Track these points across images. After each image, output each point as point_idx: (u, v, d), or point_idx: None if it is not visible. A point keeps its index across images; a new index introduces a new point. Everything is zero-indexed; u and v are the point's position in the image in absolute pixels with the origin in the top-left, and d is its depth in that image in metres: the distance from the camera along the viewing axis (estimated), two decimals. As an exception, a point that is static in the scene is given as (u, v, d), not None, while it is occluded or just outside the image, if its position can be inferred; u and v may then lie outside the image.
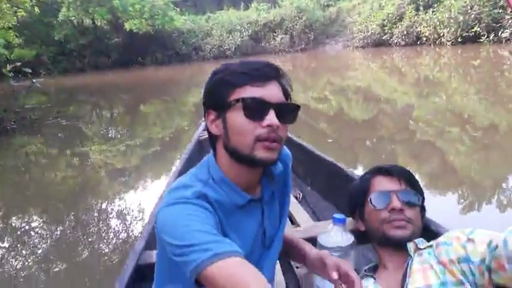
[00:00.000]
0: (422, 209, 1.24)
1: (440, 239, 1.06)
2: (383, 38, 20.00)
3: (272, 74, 0.91)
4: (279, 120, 0.88)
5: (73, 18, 23.78)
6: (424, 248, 1.09)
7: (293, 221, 2.12)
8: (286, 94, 0.95)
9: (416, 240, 1.13)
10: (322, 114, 7.77)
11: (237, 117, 0.88)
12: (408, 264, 1.07)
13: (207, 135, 1.01)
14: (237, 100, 0.88)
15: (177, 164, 2.69)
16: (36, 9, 15.92)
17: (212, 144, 0.98)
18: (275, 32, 23.93)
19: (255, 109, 0.87)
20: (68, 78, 20.82)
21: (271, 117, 0.87)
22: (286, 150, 1.07)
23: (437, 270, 1.00)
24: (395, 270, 1.12)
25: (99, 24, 25.27)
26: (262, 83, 0.89)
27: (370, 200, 1.21)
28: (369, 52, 19.08)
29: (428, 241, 1.12)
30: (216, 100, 0.92)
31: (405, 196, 1.17)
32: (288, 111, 0.92)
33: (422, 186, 1.28)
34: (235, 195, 0.94)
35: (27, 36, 20.46)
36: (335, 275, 0.87)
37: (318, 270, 0.99)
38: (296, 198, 2.48)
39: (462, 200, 3.47)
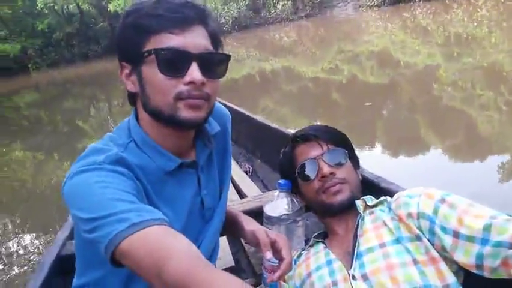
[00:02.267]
0: (354, 161, 1.14)
1: (404, 192, 0.99)
2: (402, -8, 17.91)
3: (194, 15, 0.77)
4: (204, 75, 0.76)
5: (52, 4, 22.34)
6: (375, 205, 1.04)
7: (243, 196, 2.06)
8: (215, 41, 0.81)
9: (365, 198, 1.06)
10: (333, 85, 7.17)
11: (152, 73, 0.75)
12: (358, 223, 1.01)
13: None
14: (149, 52, 0.75)
15: None
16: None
17: (132, 103, 0.86)
18: (275, -1, 22.20)
19: (173, 63, 0.74)
20: (59, 71, 20.33)
21: (193, 72, 0.75)
22: (223, 109, 1.00)
23: (390, 226, 0.94)
24: (346, 233, 1.05)
25: (85, 8, 23.70)
26: (181, 29, 0.75)
27: (298, 174, 1.12)
28: (386, 11, 17.54)
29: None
30: (128, 50, 0.79)
31: (331, 158, 1.08)
32: (214, 62, 0.79)
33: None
34: (163, 159, 0.82)
35: (9, 29, 19.82)
36: (268, 255, 0.84)
37: (255, 246, 0.92)
38: (246, 173, 2.43)
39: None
